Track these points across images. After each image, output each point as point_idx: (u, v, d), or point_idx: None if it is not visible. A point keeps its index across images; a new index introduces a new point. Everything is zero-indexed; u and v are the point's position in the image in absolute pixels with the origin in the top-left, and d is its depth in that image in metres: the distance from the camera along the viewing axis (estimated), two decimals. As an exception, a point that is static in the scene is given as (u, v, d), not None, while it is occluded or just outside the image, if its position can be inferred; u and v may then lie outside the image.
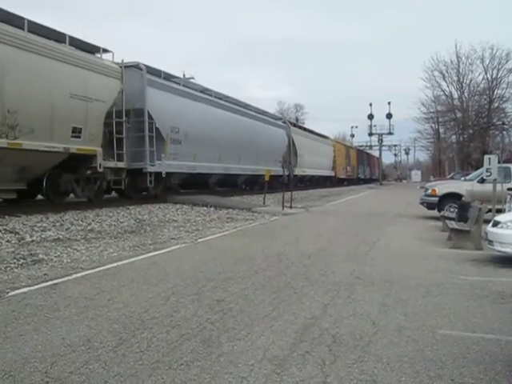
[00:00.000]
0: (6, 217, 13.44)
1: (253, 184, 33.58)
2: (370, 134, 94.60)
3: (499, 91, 63.60)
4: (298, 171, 41.27)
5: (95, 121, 17.55)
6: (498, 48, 61.64)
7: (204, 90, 27.31)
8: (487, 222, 11.49)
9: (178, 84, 24.47)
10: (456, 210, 16.19)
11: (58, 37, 16.53)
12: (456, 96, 67.74)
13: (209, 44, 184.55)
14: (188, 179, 25.12)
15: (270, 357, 4.80)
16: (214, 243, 12.74)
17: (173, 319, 5.95)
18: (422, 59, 77.95)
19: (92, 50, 18.35)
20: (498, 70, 62.87)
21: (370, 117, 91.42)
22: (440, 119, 73.05)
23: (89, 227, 13.89)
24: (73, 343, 5.09)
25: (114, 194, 21.71)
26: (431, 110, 73.08)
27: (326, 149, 55.33)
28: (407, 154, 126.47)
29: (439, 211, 18.80)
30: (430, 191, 20.65)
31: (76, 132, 16.56)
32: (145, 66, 20.90)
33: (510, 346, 5.13)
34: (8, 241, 11.12)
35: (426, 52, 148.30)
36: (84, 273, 8.65)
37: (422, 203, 21.15)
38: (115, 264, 9.50)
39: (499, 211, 14.37)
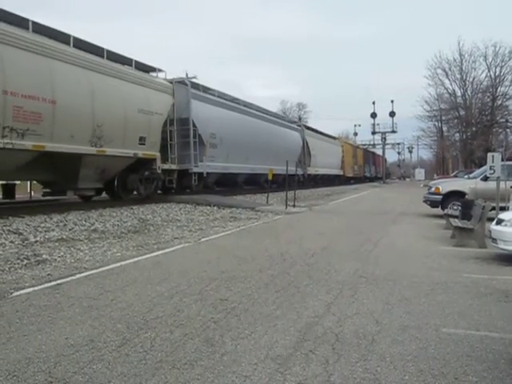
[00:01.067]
0: (10, 217, 13.47)
1: (272, 182, 34.90)
2: (373, 133, 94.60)
3: (502, 89, 63.68)
4: (312, 170, 45.77)
5: (155, 130, 21.22)
6: (501, 45, 61.79)
7: (233, 100, 31.04)
8: (491, 219, 11.47)
9: (214, 95, 28.19)
10: (459, 208, 16.16)
11: (126, 61, 20.36)
12: (459, 94, 67.82)
13: (212, 42, 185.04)
14: (220, 178, 28.56)
15: (273, 356, 4.80)
16: (218, 242, 12.75)
17: (176, 319, 5.95)
18: (425, 57, 77.91)
19: (150, 70, 22.35)
20: (501, 67, 62.97)
21: (373, 115, 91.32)
22: (443, 117, 73.11)
23: (92, 227, 13.92)
24: (76, 343, 5.10)
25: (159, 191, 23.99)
26: (434, 108, 73.25)
27: (336, 149, 58.74)
28: (410, 152, 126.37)
29: (443, 209, 18.77)
30: (433, 189, 20.60)
31: (142, 140, 20.14)
32: (189, 81, 24.93)
33: (513, 344, 5.12)
34: (12, 241, 11.14)
35: (429, 50, 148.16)
36: (87, 273, 8.67)
37: (425, 201, 21.11)
38: (118, 264, 9.51)
39: (503, 209, 14.34)
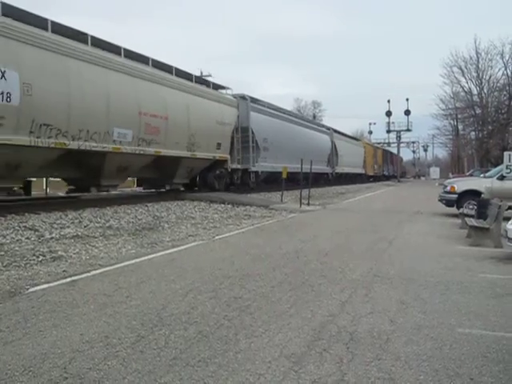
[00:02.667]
0: (26, 214, 13.59)
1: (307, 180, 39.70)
2: (388, 131, 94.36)
3: (519, 87, 62.92)
4: (339, 169, 51.17)
5: (227, 137, 26.57)
6: (518, 43, 61.01)
7: (277, 109, 36.49)
8: (507, 219, 11.36)
9: (264, 106, 33.29)
10: (475, 208, 16.01)
11: (204, 81, 26.30)
12: (475, 92, 67.34)
13: (228, 42, 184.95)
14: (269, 176, 33.32)
15: (287, 354, 4.80)
16: (232, 240, 12.76)
17: (190, 316, 5.97)
18: (441, 55, 77.48)
19: (220, 88, 27.82)
20: (519, 65, 62.21)
21: (388, 113, 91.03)
22: (459, 116, 72.63)
23: (107, 224, 13.99)
24: (91, 339, 5.13)
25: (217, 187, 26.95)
26: (450, 107, 72.69)
27: (359, 150, 63.83)
28: (426, 150, 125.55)
29: (458, 208, 18.62)
30: (448, 188, 20.46)
31: (218, 145, 25.48)
32: (248, 96, 30.08)
33: (530, 345, 5.08)
34: (28, 238, 11.23)
35: (445, 48, 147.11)
36: (102, 269, 8.71)
37: (440, 200, 20.97)
38: (133, 261, 9.55)
39: (519, 209, 14.22)
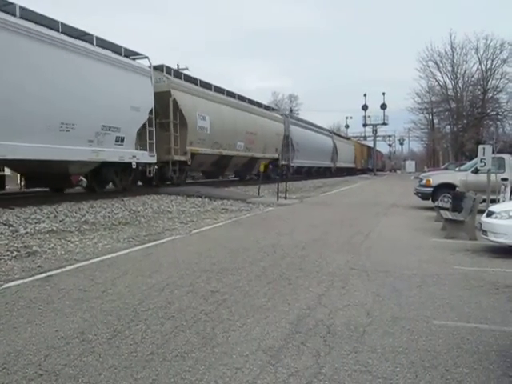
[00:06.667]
0: (0, 209, 13.38)
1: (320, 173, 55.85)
2: (365, 125, 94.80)
3: (493, 81, 63.90)
4: (338, 164, 62.71)
5: (279, 144, 38.60)
6: (492, 38, 61.92)
7: (302, 121, 50.28)
8: (481, 212, 11.51)
9: (295, 119, 47.63)
10: (450, 201, 16.20)
11: (266, 107, 40.68)
12: (450, 86, 67.99)
13: (206, 36, 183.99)
14: (298, 169, 46.61)
15: (264, 348, 4.80)
16: (209, 234, 12.73)
17: (167, 311, 5.94)
18: (418, 50, 77.93)
19: (272, 109, 43.29)
20: (493, 60, 63.13)
21: (365, 107, 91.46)
22: (434, 109, 73.24)
23: (83, 219, 13.84)
24: (67, 335, 5.08)
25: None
26: (425, 101, 73.27)
27: (351, 148, 75.11)
28: (401, 144, 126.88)
29: (433, 201, 18.83)
30: (424, 181, 20.66)
31: (276, 149, 36.48)
32: (289, 114, 48.13)
33: (503, 336, 5.15)
34: (1, 233, 11.06)
35: (422, 43, 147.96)
36: (78, 264, 8.63)
37: (416, 193, 21.18)
38: (109, 256, 9.48)
39: (493, 201, 14.41)
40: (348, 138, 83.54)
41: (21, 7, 14.98)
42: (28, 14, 15.27)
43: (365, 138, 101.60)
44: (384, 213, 18.52)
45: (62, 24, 16.62)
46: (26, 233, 11.40)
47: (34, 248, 9.88)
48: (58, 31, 16.26)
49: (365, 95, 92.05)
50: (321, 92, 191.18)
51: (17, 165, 16.31)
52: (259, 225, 14.80)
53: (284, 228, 13.75)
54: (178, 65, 28.70)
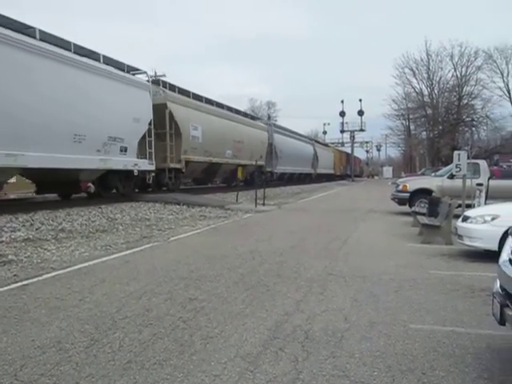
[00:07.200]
0: (-26, 217, 13.23)
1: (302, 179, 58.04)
2: (342, 131, 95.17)
3: (468, 88, 64.95)
4: (318, 171, 64.47)
5: (264, 151, 41.10)
6: (466, 46, 62.92)
7: (285, 129, 51.34)
8: (457, 217, 11.64)
9: (278, 127, 49.02)
10: (426, 206, 16.36)
11: (252, 117, 47.25)
12: (426, 93, 68.99)
13: (183, 42, 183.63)
14: (281, 176, 47.87)
15: (242, 354, 4.80)
16: (187, 241, 12.70)
17: (145, 318, 5.91)
18: (394, 56, 78.81)
19: (257, 118, 47.19)
20: (467, 67, 64.24)
21: (342, 114, 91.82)
22: (411, 116, 74.11)
23: (59, 227, 13.73)
24: (43, 345, 5.03)
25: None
26: (402, 107, 74.13)
27: (330, 155, 76.92)
28: (379, 150, 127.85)
29: (410, 207, 19.01)
30: (401, 187, 20.84)
31: (261, 157, 38.79)
32: (272, 123, 50.62)
33: (479, 339, 5.21)
34: (-24, 242, 10.93)
35: (399, 50, 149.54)
36: (55, 273, 8.55)
37: (393, 199, 21.37)
38: (86, 264, 9.41)
39: (468, 206, 14.59)
40: (327, 145, 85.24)
41: (40, 30, 16.39)
42: (47, 37, 16.74)
43: (342, 144, 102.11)
44: (361, 218, 18.63)
45: (75, 45, 18.08)
46: (2, 241, 11.28)
47: (10, 257, 9.77)
48: (70, 51, 17.74)
49: (342, 102, 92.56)
50: (298, 98, 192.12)
51: (34, 173, 17.51)
52: (237, 231, 14.80)
53: (262, 234, 13.77)
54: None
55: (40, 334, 5.33)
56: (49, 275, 8.38)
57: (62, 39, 17.47)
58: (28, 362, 4.59)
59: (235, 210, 21.04)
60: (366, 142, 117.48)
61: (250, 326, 5.67)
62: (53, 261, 9.67)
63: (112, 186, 22.18)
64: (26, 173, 18.07)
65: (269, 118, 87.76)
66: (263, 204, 23.80)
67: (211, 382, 4.21)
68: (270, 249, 11.18)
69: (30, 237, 12.04)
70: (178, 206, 20.92)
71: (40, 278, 8.13)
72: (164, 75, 28.68)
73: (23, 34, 15.47)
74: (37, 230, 12.97)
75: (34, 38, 15.91)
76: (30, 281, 7.93)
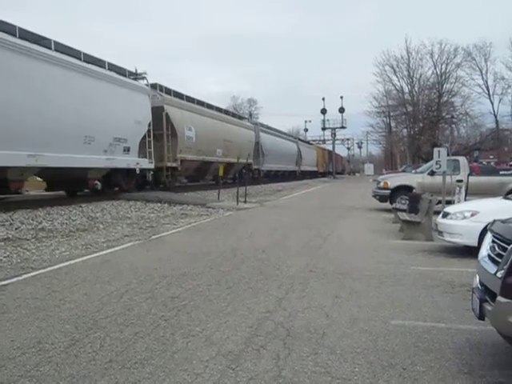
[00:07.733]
0: (-48, 217, 13.06)
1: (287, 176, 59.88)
2: (324, 129, 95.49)
3: (448, 85, 65.32)
4: (302, 168, 66.13)
5: (251, 150, 41.74)
6: (446, 43, 63.31)
7: (271, 128, 53.13)
8: (437, 213, 11.73)
9: (264, 127, 50.41)
10: (407, 202, 16.46)
11: (239, 117, 50.55)
12: (407, 90, 69.26)
13: (165, 40, 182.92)
14: (267, 173, 49.13)
15: (224, 352, 4.80)
16: (168, 240, 12.66)
17: (126, 317, 5.88)
18: (374, 54, 79.10)
19: (244, 118, 48.73)
20: (447, 64, 64.62)
21: (323, 111, 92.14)
22: (391, 113, 74.36)
23: (39, 226, 13.60)
24: (23, 345, 4.98)
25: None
26: (383, 104, 74.40)
27: (313, 152, 78.87)
28: (360, 147, 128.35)
29: (391, 203, 19.12)
30: (382, 184, 20.99)
31: (249, 155, 37.49)
32: (259, 123, 52.39)
33: (459, 334, 5.26)
34: (-46, 242, 10.79)
35: (379, 48, 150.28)
36: (35, 273, 8.47)
37: (374, 196, 21.48)
38: (67, 263, 9.34)
39: (449, 202, 14.72)
40: (309, 143, 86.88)
41: (55, 42, 17.91)
42: (60, 47, 18.16)
43: (324, 141, 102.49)
44: (343, 215, 18.71)
45: (84, 54, 19.69)
46: (-20, 241, 11.14)
47: (-11, 257, 9.66)
48: (80, 59, 19.25)
49: (323, 99, 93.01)
50: (280, 96, 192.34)
51: (48, 172, 18.64)
52: (219, 229, 14.78)
53: (244, 232, 13.76)
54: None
55: (20, 335, 5.28)
56: (29, 275, 8.30)
57: (73, 49, 19.07)
58: (7, 363, 4.54)
59: (217, 208, 21.04)
60: (348, 139, 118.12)
61: (232, 323, 5.66)
62: (33, 260, 9.59)
63: (116, 184, 23.64)
64: (43, 172, 19.07)
65: (250, 115, 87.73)
66: (245, 202, 23.80)
67: (193, 380, 4.20)
68: (251, 246, 11.18)
69: (10, 236, 11.92)
70: (159, 204, 20.85)
71: (20, 278, 8.06)
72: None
73: (38, 44, 16.93)
74: (16, 229, 12.84)
75: (50, 48, 17.43)
76: (10, 281, 7.85)
